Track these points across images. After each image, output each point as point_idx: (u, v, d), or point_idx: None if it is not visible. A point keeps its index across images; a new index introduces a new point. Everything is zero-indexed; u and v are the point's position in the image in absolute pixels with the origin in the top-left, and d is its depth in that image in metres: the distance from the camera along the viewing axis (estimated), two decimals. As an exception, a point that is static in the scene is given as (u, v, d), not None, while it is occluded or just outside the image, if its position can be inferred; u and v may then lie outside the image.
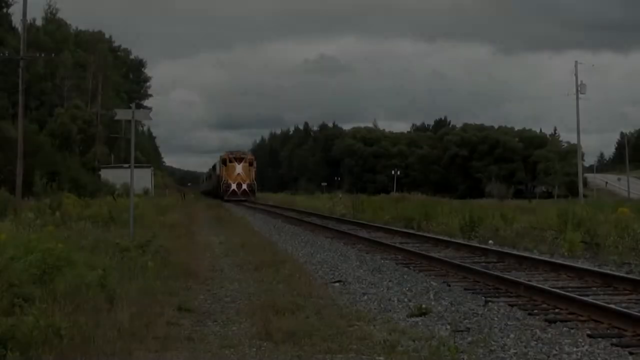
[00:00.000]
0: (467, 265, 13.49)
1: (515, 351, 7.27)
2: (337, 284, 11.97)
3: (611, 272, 12.38)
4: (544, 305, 9.65)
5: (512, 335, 7.94)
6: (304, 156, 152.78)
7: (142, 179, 57.82)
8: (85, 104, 71.01)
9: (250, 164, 65.13)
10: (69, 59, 74.75)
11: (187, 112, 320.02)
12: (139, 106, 33.54)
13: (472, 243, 18.64)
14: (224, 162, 64.97)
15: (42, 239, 11.06)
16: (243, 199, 60.62)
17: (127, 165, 49.85)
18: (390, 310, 9.55)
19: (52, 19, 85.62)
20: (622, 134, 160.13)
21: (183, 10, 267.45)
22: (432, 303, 9.97)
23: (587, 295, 10.20)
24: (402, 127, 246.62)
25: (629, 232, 17.27)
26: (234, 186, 62.87)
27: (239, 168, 63.54)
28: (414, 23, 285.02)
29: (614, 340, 7.67)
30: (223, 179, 63.83)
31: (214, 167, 79.87)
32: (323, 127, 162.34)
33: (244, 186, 63.17)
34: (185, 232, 20.84)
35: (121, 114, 19.90)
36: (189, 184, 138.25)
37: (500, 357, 7.11)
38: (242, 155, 66.16)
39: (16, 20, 62.34)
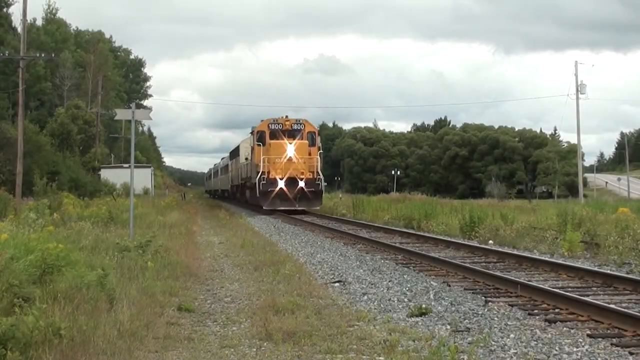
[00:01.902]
0: (467, 265, 13.49)
1: (515, 351, 7.27)
2: (337, 284, 11.97)
3: (611, 272, 12.37)
4: (544, 305, 9.66)
5: (512, 335, 7.94)
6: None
7: (142, 179, 57.85)
8: (85, 104, 70.95)
9: (312, 142, 36.36)
10: (69, 59, 74.80)
11: (187, 112, 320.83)
12: (139, 106, 33.62)
13: (472, 243, 18.64)
14: (260, 138, 36.44)
15: (42, 239, 11.06)
16: (299, 208, 35.14)
17: (127, 165, 49.97)
18: (390, 310, 9.54)
19: (52, 19, 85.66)
20: (622, 134, 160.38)
21: (183, 10, 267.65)
22: (432, 303, 9.97)
23: (587, 295, 10.20)
24: (402, 127, 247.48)
25: (629, 232, 17.26)
26: (281, 183, 34.58)
27: (290, 149, 34.87)
28: (414, 23, 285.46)
29: (614, 340, 7.67)
30: (261, 171, 34.86)
31: (234, 152, 51.14)
32: (323, 127, 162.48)
33: (302, 183, 34.60)
34: (185, 232, 20.83)
35: (121, 114, 19.91)
36: (189, 184, 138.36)
37: (500, 357, 7.10)
38: (296, 126, 36.68)
39: (16, 20, 62.30)
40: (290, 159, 34.83)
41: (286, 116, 37.76)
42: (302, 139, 35.99)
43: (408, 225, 26.47)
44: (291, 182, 34.74)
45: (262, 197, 35.06)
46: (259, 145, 36.28)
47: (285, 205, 34.92)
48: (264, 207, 35.35)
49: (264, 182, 34.75)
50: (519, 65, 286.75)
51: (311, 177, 35.17)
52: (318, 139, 37.37)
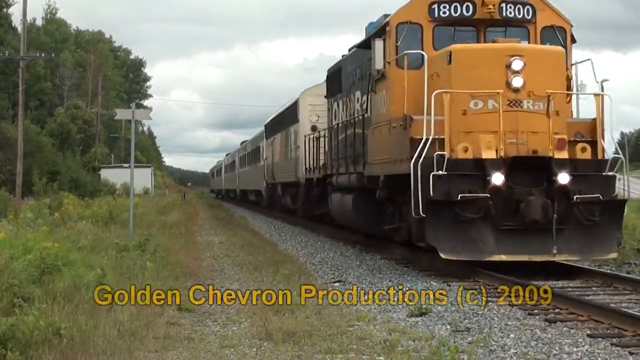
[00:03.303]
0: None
1: (515, 351, 7.27)
2: (337, 284, 11.97)
3: (611, 272, 12.37)
4: (544, 305, 9.65)
5: (512, 335, 7.93)
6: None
7: (142, 178, 57.84)
8: (85, 104, 70.99)
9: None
10: (69, 59, 74.82)
11: (187, 112, 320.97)
12: (139, 106, 33.65)
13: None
14: (409, 42, 12.51)
15: (40, 239, 11.07)
16: (561, 258, 11.62)
17: (127, 165, 49.94)
18: (390, 310, 9.54)
19: (52, 19, 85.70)
20: (622, 134, 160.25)
21: (183, 10, 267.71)
22: (432, 303, 9.96)
23: (587, 295, 10.20)
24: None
25: (630, 232, 17.21)
26: (497, 178, 10.91)
27: (517, 68, 11.18)
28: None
29: (614, 340, 7.66)
30: (426, 138, 11.10)
31: (279, 120, 30.76)
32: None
33: (562, 178, 11.13)
34: (185, 232, 20.83)
35: (121, 114, 19.96)
36: (189, 184, 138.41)
37: (500, 357, 7.10)
38: (513, 9, 12.69)
39: (16, 20, 62.26)
40: (518, 100, 11.77)
41: None
42: (539, 41, 13.32)
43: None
44: (528, 171, 11.68)
45: (434, 222, 11.51)
46: (400, 67, 12.74)
47: (515, 251, 11.60)
48: (442, 254, 11.52)
49: (439, 176, 11.30)
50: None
51: (586, 152, 12.35)
52: (570, 47, 13.60)
